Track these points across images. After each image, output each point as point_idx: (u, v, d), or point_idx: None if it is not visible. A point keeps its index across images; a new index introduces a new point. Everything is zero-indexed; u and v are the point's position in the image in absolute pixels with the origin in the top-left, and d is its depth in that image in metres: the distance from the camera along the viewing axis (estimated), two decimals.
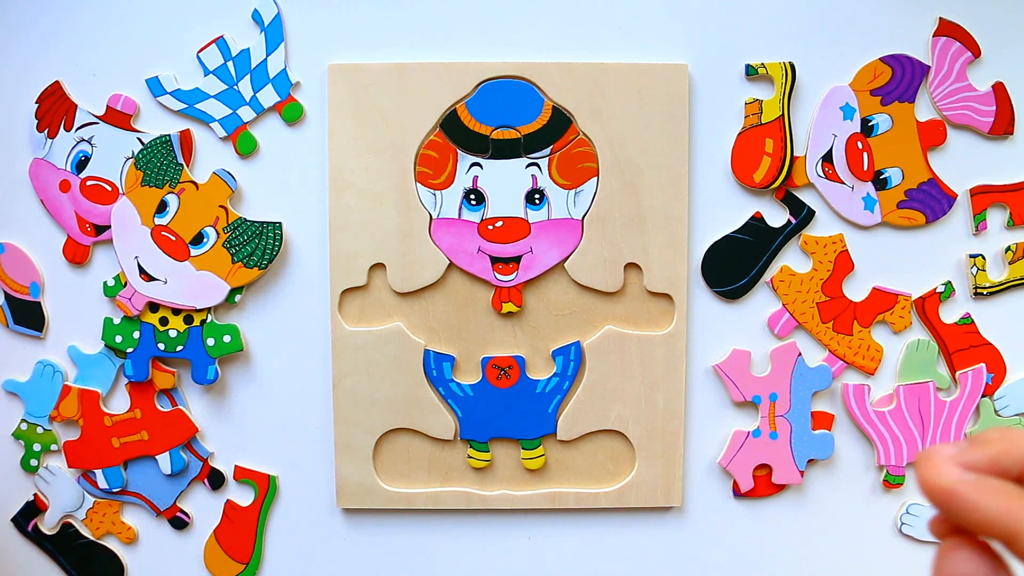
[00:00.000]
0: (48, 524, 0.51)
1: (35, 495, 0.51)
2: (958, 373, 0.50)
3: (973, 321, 0.50)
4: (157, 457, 0.50)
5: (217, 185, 0.48)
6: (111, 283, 0.49)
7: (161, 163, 0.48)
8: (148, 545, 0.52)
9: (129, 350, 0.49)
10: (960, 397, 0.50)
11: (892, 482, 0.51)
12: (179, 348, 0.49)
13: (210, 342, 0.49)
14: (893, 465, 0.51)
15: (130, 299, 0.48)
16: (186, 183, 0.48)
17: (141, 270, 0.48)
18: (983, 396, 0.50)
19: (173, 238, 0.48)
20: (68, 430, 0.51)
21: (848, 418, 0.51)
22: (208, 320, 0.49)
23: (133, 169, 0.48)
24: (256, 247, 0.48)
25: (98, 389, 0.50)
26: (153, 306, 0.49)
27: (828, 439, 0.50)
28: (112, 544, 0.52)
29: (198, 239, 0.48)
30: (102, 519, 0.51)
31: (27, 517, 0.52)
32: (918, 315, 0.50)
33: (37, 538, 0.52)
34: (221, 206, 0.48)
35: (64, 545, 0.52)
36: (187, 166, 0.48)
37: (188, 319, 0.49)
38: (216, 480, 0.51)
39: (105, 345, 0.49)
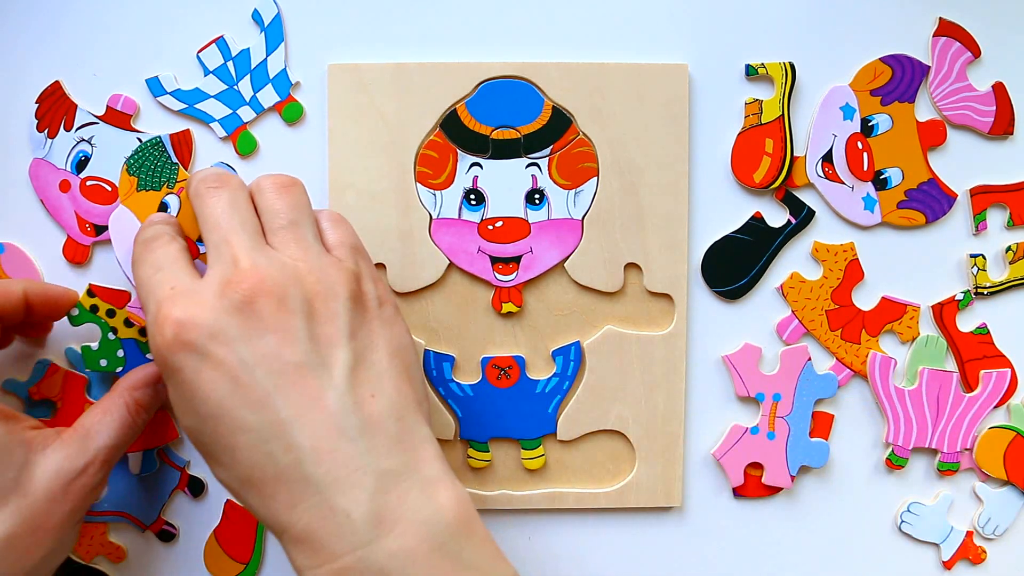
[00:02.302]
0: None
1: None
2: (982, 372, 0.50)
3: (989, 332, 0.50)
4: (128, 455, 0.49)
5: None
6: (95, 347, 0.47)
7: (154, 165, 0.47)
8: (138, 562, 0.51)
9: (119, 369, 0.48)
10: (979, 395, 0.50)
11: (895, 462, 0.51)
12: None
13: None
14: (899, 446, 0.50)
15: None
16: (184, 182, 0.48)
17: None
18: (1003, 399, 0.51)
19: None
20: (40, 409, 0.49)
21: (869, 391, 0.50)
22: None
23: (126, 175, 0.48)
24: None
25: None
26: (127, 321, 0.48)
27: (823, 448, 0.50)
28: (103, 566, 0.50)
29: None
30: (91, 542, 0.50)
31: None
32: (935, 321, 0.50)
33: None
34: None
35: (56, 574, 0.50)
36: (186, 166, 0.48)
37: None
38: (196, 488, 0.50)
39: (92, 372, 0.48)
